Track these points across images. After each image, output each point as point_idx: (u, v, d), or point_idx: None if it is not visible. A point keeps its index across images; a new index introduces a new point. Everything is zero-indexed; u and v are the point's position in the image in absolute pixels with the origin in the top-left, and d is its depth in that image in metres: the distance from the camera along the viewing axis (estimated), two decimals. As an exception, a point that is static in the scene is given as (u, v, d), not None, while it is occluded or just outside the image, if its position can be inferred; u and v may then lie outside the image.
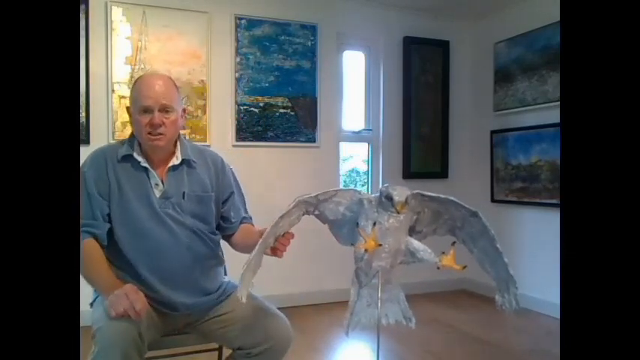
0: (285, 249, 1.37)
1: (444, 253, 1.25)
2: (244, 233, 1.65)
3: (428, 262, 1.27)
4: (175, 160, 1.53)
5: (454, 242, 1.31)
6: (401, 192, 1.20)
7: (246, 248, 1.52)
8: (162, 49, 3.22)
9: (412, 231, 1.34)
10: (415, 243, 1.29)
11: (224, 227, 1.65)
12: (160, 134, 1.47)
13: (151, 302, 1.41)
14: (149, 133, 1.46)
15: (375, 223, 1.23)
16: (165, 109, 1.47)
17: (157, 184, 1.51)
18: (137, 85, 1.50)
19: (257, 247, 1.24)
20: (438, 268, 1.26)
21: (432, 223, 1.35)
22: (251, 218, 1.72)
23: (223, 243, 1.69)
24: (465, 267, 1.22)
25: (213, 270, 1.59)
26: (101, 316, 1.33)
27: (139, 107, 1.46)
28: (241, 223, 1.68)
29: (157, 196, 1.49)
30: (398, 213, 1.21)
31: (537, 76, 3.48)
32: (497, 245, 1.27)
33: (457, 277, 4.04)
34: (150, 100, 1.45)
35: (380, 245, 1.22)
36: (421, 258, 1.27)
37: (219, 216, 1.64)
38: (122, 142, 1.56)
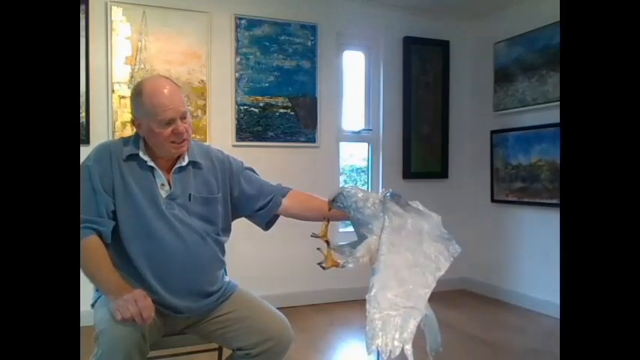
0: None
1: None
2: (304, 197, 1.68)
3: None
4: (182, 162, 1.52)
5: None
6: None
7: (311, 210, 1.63)
8: (162, 49, 3.22)
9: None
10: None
11: (269, 206, 1.64)
12: (184, 140, 1.47)
13: (154, 304, 1.39)
14: (173, 142, 1.45)
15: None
16: (184, 116, 1.47)
17: (163, 185, 1.49)
18: (149, 97, 1.43)
19: None
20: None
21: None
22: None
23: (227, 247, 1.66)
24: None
25: (215, 273, 1.57)
26: (104, 317, 1.32)
27: (160, 120, 1.42)
28: (283, 196, 1.67)
29: (164, 196, 1.48)
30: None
31: (537, 76, 3.48)
32: None
33: (457, 277, 4.04)
34: (171, 111, 1.42)
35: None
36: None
37: (228, 217, 1.63)
38: (126, 141, 1.53)
